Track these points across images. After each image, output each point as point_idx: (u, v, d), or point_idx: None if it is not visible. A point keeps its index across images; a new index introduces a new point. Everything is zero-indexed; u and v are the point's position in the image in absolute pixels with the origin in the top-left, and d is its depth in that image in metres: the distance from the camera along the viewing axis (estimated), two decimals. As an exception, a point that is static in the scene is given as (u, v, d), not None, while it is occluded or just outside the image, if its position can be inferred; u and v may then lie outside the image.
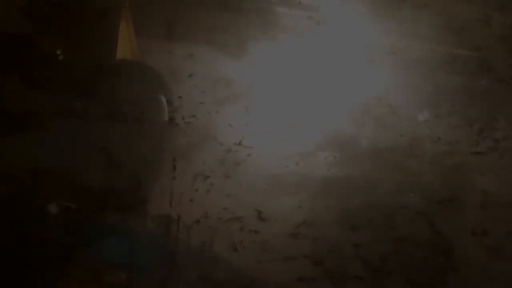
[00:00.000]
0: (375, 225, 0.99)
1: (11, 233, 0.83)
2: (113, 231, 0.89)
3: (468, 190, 1.02)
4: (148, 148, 0.93)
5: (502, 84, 1.11)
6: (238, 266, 0.92)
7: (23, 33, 0.91)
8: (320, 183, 1.00)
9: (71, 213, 0.87)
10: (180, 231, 0.91)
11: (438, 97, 1.11)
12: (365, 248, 0.97)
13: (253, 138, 0.99)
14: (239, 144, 0.98)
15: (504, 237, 0.99)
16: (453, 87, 1.12)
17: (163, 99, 0.96)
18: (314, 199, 0.98)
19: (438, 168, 1.05)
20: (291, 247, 0.95)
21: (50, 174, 0.86)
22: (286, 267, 0.93)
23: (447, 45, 1.16)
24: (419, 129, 1.08)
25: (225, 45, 1.02)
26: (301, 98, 1.05)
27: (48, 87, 0.90)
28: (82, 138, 0.89)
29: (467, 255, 0.98)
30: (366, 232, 0.98)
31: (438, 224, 1.01)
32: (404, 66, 1.13)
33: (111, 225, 0.89)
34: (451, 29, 1.16)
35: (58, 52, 0.91)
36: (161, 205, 0.92)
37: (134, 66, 1.02)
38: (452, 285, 0.96)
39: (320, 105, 1.05)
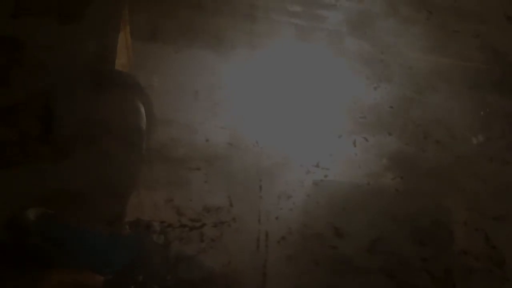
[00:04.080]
0: (439, 240, 1.08)
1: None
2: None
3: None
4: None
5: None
6: (320, 280, 1.01)
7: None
8: (390, 202, 1.09)
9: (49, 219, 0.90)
10: (268, 247, 1.00)
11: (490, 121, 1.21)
12: (431, 261, 1.06)
13: (329, 161, 1.08)
14: (317, 166, 1.07)
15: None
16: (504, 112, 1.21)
17: (141, 107, 0.98)
18: (385, 217, 1.07)
19: (492, 186, 1.15)
20: (366, 261, 1.04)
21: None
22: (362, 280, 1.03)
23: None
24: (474, 151, 1.18)
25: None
26: (369, 126, 1.14)
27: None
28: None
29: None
30: (432, 246, 1.08)
31: (494, 239, 1.11)
32: (458, 91, 1.22)
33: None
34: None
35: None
36: (250, 222, 1.01)
37: (113, 73, 1.04)
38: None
39: (385, 130, 1.14)
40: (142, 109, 0.97)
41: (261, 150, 1.06)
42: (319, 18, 1.21)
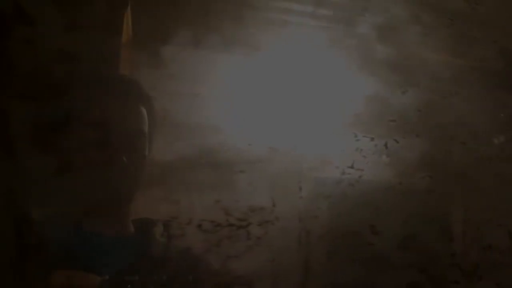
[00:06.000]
0: (467, 236, 1.16)
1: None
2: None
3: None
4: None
5: None
6: (358, 275, 1.08)
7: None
8: (420, 200, 1.16)
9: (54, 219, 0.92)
10: (310, 244, 1.07)
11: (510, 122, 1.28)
12: (459, 256, 1.14)
13: (363, 162, 1.15)
14: (351, 167, 1.14)
15: None
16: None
17: (144, 110, 0.99)
18: (416, 214, 1.14)
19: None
20: (400, 257, 1.11)
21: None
22: (396, 275, 1.10)
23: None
24: (495, 151, 1.25)
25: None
26: (399, 129, 1.20)
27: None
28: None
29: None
30: (460, 242, 1.15)
31: (516, 234, 1.18)
32: (480, 93, 1.29)
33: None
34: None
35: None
36: (292, 221, 1.08)
37: (116, 78, 1.06)
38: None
39: (414, 132, 1.21)
40: (145, 113, 0.99)
41: (299, 153, 1.13)
42: (348, 26, 1.28)
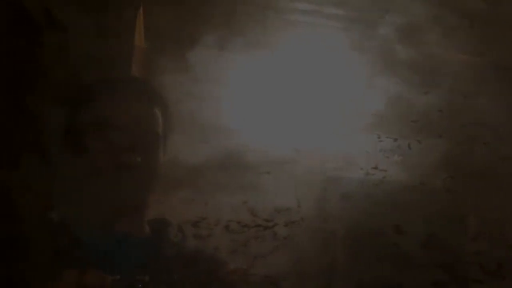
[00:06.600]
0: (490, 235, 1.17)
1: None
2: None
3: None
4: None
5: None
6: (383, 274, 1.09)
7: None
8: (443, 200, 1.17)
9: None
10: (335, 244, 1.08)
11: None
12: (483, 255, 1.15)
13: (386, 163, 1.16)
14: (375, 168, 1.15)
15: None
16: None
17: (158, 111, 1.00)
18: (439, 214, 1.16)
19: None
20: (424, 256, 1.12)
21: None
22: (420, 273, 1.11)
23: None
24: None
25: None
26: (421, 129, 1.21)
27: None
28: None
29: None
30: (483, 241, 1.16)
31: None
32: (501, 93, 1.30)
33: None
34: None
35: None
36: (317, 221, 1.09)
37: (131, 81, 1.10)
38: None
39: (436, 133, 1.22)
40: (159, 115, 1.01)
41: (323, 155, 1.14)
42: (369, 27, 1.29)
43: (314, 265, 1.08)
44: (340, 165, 1.14)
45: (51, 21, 0.99)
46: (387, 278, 1.09)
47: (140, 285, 0.87)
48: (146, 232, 0.99)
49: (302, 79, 1.19)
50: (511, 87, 1.28)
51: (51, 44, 0.99)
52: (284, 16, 1.23)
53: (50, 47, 0.99)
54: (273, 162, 1.11)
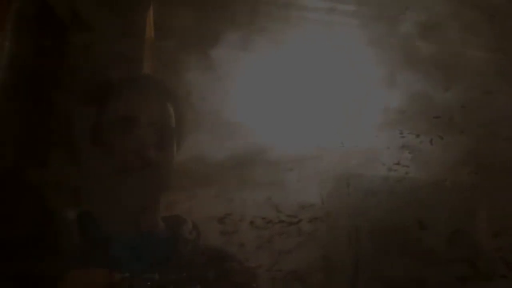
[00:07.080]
0: (513, 231, 1.17)
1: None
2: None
3: None
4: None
5: None
6: (407, 269, 1.09)
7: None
8: (466, 196, 1.17)
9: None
10: (359, 239, 1.09)
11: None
12: (506, 251, 1.15)
13: (409, 159, 1.17)
14: (398, 164, 1.16)
15: None
16: None
17: (171, 108, 1.00)
18: (463, 210, 1.16)
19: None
20: (448, 251, 1.13)
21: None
22: (445, 268, 1.11)
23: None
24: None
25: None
26: (443, 125, 1.22)
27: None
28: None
29: None
30: (507, 236, 1.16)
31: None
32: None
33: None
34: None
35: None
36: (341, 217, 1.10)
37: (145, 78, 1.11)
38: None
39: (458, 128, 1.23)
40: (171, 111, 1.00)
41: (346, 151, 1.15)
42: (391, 24, 1.29)
43: (339, 261, 1.08)
44: (363, 161, 1.15)
45: (77, 21, 1.00)
46: (412, 274, 1.09)
47: (149, 283, 0.86)
48: (161, 228, 0.99)
49: (324, 77, 1.19)
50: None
51: (78, 43, 1.00)
52: (306, 15, 1.24)
53: (76, 46, 1.00)
54: (297, 159, 1.12)
